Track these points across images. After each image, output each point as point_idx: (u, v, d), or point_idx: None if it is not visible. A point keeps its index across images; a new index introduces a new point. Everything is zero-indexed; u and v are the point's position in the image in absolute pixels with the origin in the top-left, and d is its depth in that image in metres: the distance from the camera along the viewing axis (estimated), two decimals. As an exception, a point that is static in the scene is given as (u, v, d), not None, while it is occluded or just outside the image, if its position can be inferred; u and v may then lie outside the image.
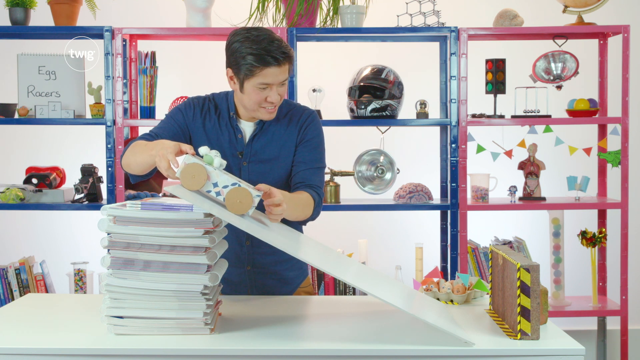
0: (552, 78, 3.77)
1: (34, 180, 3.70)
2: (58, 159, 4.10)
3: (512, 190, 3.79)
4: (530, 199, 3.80)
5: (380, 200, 3.86)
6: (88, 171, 3.67)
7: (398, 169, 3.80)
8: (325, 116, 3.87)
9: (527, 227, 4.28)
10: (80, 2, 3.68)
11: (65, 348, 1.87)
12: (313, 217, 2.39)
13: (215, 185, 2.02)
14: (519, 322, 1.92)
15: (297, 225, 2.47)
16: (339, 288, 3.85)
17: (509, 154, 3.81)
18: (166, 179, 3.63)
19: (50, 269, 3.95)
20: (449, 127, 3.69)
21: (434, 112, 3.95)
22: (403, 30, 3.70)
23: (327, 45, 4.13)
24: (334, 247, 4.02)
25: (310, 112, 2.47)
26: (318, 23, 3.71)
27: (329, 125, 3.51)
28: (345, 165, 3.90)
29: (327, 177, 3.73)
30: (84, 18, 3.82)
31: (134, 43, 3.82)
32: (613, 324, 4.10)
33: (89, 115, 3.72)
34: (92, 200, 3.67)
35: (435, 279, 2.42)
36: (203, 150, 2.05)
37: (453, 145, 3.67)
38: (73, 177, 3.92)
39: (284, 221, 2.30)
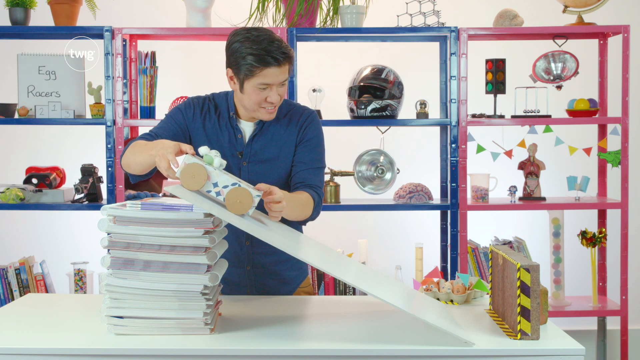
0: (552, 78, 3.77)
1: (34, 180, 3.70)
2: (58, 159, 4.10)
3: (512, 190, 3.79)
4: (530, 199, 3.80)
5: (380, 200, 3.86)
6: (88, 171, 3.67)
7: (398, 169, 3.80)
8: (325, 116, 3.87)
9: (527, 227, 4.28)
10: (80, 2, 3.68)
11: (65, 348, 1.87)
12: (313, 217, 2.39)
13: (215, 185, 2.02)
14: (519, 322, 1.92)
15: (297, 225, 2.47)
16: (339, 288, 3.85)
17: (509, 154, 3.81)
18: (166, 179, 3.63)
19: (50, 269, 3.95)
20: (449, 127, 3.69)
21: (434, 112, 3.95)
22: (403, 30, 3.70)
23: (327, 45, 4.13)
24: (334, 247, 4.02)
25: (310, 112, 2.47)
26: (318, 23, 3.71)
27: (329, 125, 3.51)
28: (345, 165, 3.90)
29: (327, 177, 3.73)
30: (84, 18, 3.82)
31: (134, 43, 3.82)
32: (613, 324, 4.10)
33: (89, 115, 3.72)
34: (92, 200, 3.67)
35: (435, 279, 2.42)
36: (203, 150, 2.05)
37: (453, 145, 3.67)
38: (73, 177, 3.92)
39: (284, 221, 2.30)
